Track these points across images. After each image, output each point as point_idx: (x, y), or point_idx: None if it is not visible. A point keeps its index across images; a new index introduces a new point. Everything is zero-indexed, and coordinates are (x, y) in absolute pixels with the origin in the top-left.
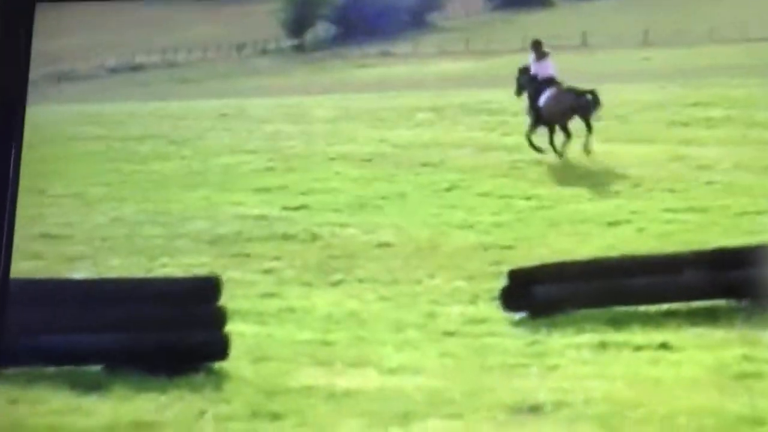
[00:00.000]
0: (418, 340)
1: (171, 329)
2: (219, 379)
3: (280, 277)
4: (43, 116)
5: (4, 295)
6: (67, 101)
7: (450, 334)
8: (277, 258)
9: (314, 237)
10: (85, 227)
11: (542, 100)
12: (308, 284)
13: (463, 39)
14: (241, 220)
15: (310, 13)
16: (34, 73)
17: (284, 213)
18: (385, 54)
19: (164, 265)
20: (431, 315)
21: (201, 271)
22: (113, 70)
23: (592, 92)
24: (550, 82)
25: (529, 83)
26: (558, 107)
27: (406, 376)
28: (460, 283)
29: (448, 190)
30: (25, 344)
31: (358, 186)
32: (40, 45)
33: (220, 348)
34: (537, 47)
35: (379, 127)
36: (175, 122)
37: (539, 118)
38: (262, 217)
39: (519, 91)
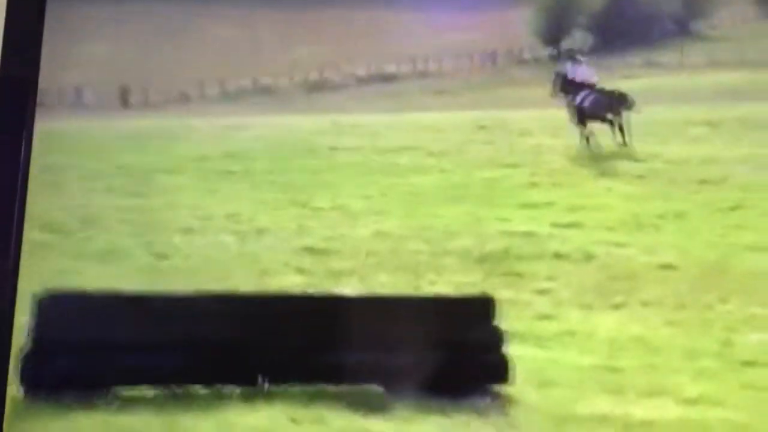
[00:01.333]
0: (715, 369)
1: (450, 350)
2: (503, 404)
3: (555, 299)
4: (297, 126)
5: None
6: (320, 111)
7: (750, 363)
8: (550, 278)
9: (589, 256)
10: (350, 241)
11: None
12: (587, 307)
13: (734, 49)
14: (509, 236)
15: (565, 21)
16: (283, 83)
17: (554, 230)
18: (651, 64)
19: (432, 283)
20: (727, 343)
21: (471, 290)
22: (362, 80)
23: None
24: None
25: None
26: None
27: (707, 407)
28: (757, 310)
29: (733, 209)
30: (303, 362)
31: (632, 203)
32: (294, 53)
33: (501, 371)
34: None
35: (649, 142)
36: (432, 134)
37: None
38: (531, 234)
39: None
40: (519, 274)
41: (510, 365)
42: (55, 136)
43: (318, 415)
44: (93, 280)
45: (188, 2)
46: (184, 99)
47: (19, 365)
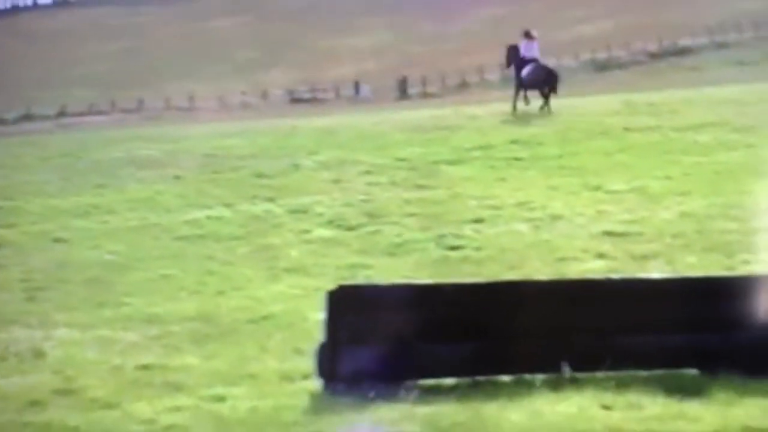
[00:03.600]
0: None
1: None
2: None
3: None
4: (586, 107)
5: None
6: (609, 91)
7: None
8: None
9: None
10: (652, 224)
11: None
12: None
13: None
14: None
15: None
16: (568, 63)
17: None
18: None
19: (746, 262)
20: None
21: None
22: (655, 55)
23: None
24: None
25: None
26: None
27: None
28: None
29: None
30: (611, 347)
31: None
32: (574, 32)
33: None
34: (528, 34)
35: None
36: (736, 108)
37: (521, 85)
38: None
39: (507, 65)
40: None
41: None
42: (334, 132)
43: (631, 401)
44: (383, 273)
45: None
46: (462, 87)
47: (316, 359)
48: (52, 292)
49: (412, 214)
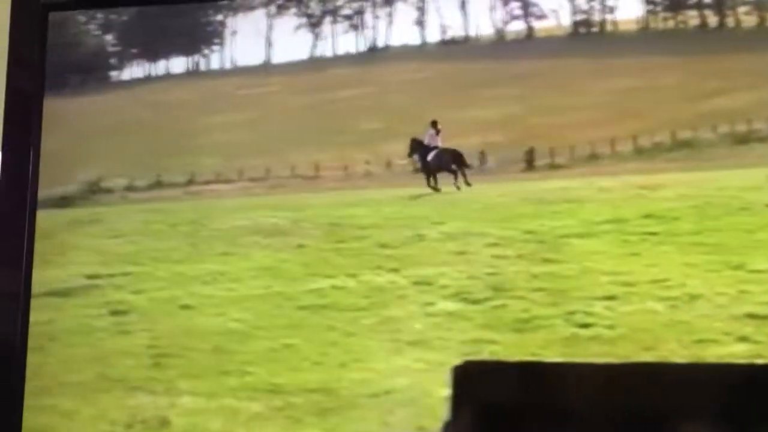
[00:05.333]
0: None
1: None
2: None
3: None
4: (725, 182)
5: None
6: (750, 164)
7: None
8: None
9: None
10: None
11: (430, 156)
12: None
13: None
14: None
15: None
16: (704, 136)
17: None
18: None
19: None
20: None
21: None
22: None
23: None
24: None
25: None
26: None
27: None
28: None
29: None
30: None
31: None
32: (708, 103)
33: None
34: (434, 124)
35: None
36: None
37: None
38: None
39: (411, 154)
40: None
41: None
42: (458, 203)
43: None
44: (510, 349)
45: (567, 56)
46: (591, 158)
47: None
48: (178, 359)
49: (539, 289)
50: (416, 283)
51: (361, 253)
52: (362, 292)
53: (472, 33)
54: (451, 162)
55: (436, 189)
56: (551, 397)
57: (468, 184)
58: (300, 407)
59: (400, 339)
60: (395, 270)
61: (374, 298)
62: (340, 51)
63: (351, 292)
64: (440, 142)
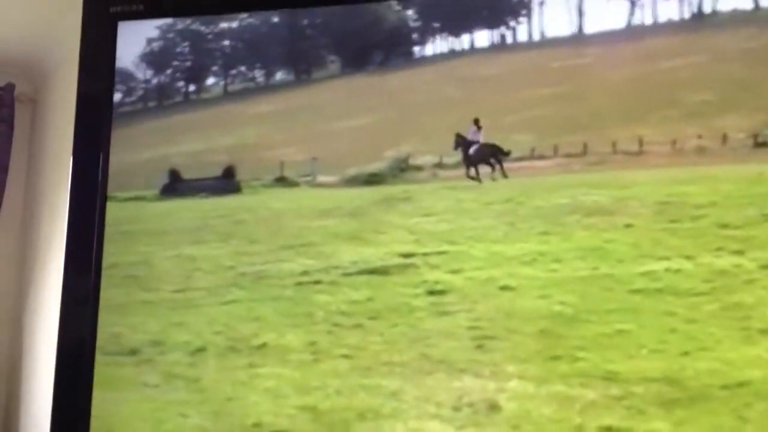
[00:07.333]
0: None
1: None
2: None
3: None
4: None
5: None
6: None
7: None
8: None
9: None
10: None
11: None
12: None
13: None
14: None
15: None
16: None
17: None
18: None
19: None
20: None
21: None
22: None
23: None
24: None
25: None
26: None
27: None
28: None
29: None
30: None
31: None
32: None
33: None
34: (476, 122)
35: None
36: None
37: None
38: None
39: (456, 147)
40: None
41: None
42: None
43: None
44: None
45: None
46: None
47: None
48: (502, 341)
49: None
50: (764, 267)
51: (699, 233)
52: (702, 276)
53: None
54: (489, 155)
55: (477, 179)
56: None
57: (505, 176)
58: (641, 397)
59: (751, 327)
60: (739, 252)
61: (716, 282)
62: (662, 19)
63: (689, 275)
64: (482, 138)
